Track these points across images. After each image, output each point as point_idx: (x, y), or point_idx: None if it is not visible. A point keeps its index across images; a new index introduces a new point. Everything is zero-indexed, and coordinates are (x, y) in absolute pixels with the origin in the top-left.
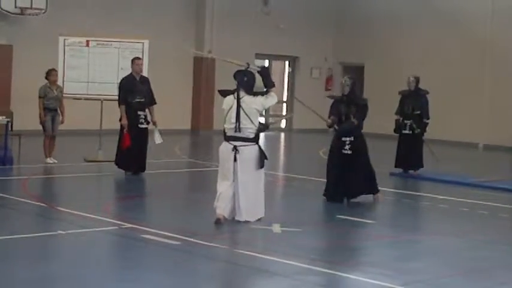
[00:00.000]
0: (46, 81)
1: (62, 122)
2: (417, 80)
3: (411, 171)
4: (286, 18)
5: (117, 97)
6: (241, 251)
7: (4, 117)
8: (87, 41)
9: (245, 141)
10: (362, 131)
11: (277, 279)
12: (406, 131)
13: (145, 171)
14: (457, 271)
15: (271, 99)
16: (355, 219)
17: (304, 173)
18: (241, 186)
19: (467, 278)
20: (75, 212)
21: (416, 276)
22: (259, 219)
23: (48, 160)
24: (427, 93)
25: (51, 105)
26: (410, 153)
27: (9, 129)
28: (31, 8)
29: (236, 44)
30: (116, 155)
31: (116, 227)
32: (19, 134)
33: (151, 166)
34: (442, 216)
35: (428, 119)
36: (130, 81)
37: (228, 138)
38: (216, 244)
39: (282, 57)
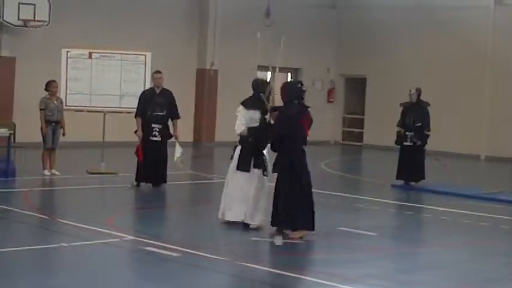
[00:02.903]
0: (46, 93)
1: (63, 135)
2: (419, 92)
3: (412, 183)
4: (288, 31)
5: (119, 109)
6: (242, 263)
7: (7, 129)
8: (90, 53)
9: None
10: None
11: None
12: (408, 143)
13: (165, 183)
14: (459, 283)
15: None
16: (357, 231)
17: None
18: None
19: None
20: (78, 225)
21: (420, 287)
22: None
23: (46, 172)
24: (428, 105)
25: (52, 117)
26: (411, 165)
27: (12, 141)
28: (34, 20)
29: (238, 55)
30: (137, 168)
31: (118, 239)
32: (21, 146)
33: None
34: (444, 228)
35: (429, 131)
36: (149, 94)
37: None
38: (218, 256)
39: (284, 69)
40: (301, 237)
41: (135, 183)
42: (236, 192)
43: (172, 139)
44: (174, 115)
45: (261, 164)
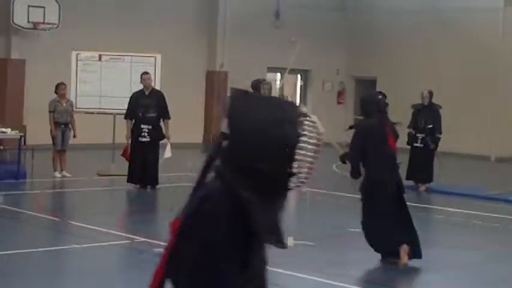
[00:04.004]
0: (56, 95)
1: (74, 137)
2: (431, 94)
3: (419, 185)
4: (298, 32)
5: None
6: None
7: (17, 131)
8: (100, 56)
9: None
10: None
11: None
12: (418, 144)
13: (157, 185)
14: (469, 284)
15: None
16: None
17: (317, 187)
18: None
19: None
20: (88, 226)
21: None
22: None
23: (57, 174)
24: (440, 107)
25: (61, 119)
26: (420, 167)
27: (22, 143)
28: (44, 22)
29: (248, 57)
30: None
31: (129, 241)
32: (32, 149)
33: (163, 180)
34: (455, 229)
35: (441, 133)
36: (138, 96)
37: None
38: None
39: (294, 71)
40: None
41: (137, 185)
42: None
43: (164, 140)
44: (164, 116)
45: None
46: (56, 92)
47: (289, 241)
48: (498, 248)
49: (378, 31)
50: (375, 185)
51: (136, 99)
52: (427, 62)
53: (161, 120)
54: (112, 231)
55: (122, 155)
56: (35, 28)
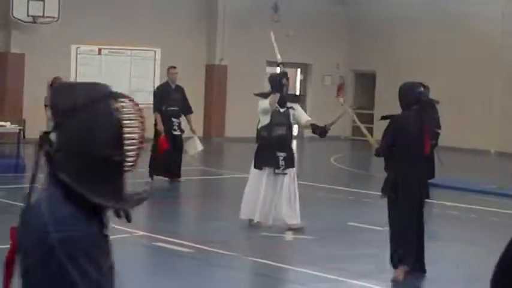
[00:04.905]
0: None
1: None
2: (428, 89)
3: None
4: (297, 26)
5: None
6: (254, 259)
7: (16, 125)
8: (99, 49)
9: None
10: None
11: (290, 287)
12: None
13: (181, 177)
14: (468, 278)
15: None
16: (367, 226)
17: (316, 181)
18: None
19: (478, 286)
20: None
21: (429, 283)
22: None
23: None
24: (438, 103)
25: None
26: None
27: (22, 137)
28: (43, 16)
29: (247, 51)
30: (150, 163)
31: (128, 235)
32: (31, 142)
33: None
34: (453, 223)
35: (440, 128)
36: (165, 90)
37: None
38: (230, 252)
39: (294, 65)
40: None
41: (150, 179)
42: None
43: (189, 134)
44: (189, 110)
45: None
46: (51, 86)
47: (289, 236)
48: (496, 242)
49: (378, 25)
50: (397, 187)
51: (164, 93)
52: (426, 55)
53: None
54: (113, 225)
55: (157, 147)
56: (34, 22)
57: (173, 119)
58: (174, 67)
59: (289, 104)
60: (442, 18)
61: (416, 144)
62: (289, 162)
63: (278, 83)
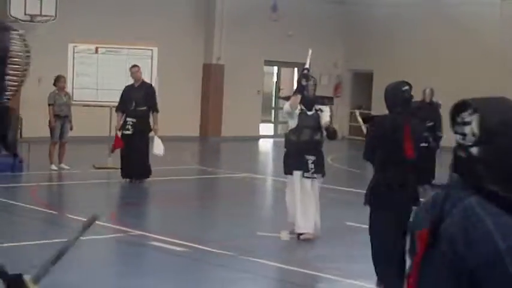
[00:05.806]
0: (55, 88)
1: (71, 129)
2: (433, 92)
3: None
4: (295, 25)
5: None
6: (248, 258)
7: None
8: (97, 48)
9: None
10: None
11: (286, 287)
12: None
13: (148, 178)
14: None
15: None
16: (365, 226)
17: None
18: None
19: None
20: (84, 219)
21: None
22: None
23: (53, 166)
24: (439, 106)
25: (61, 112)
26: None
27: (19, 136)
28: (40, 15)
29: (245, 50)
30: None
31: (124, 234)
32: (28, 141)
33: (160, 173)
34: None
35: (442, 132)
36: (126, 89)
37: None
38: (224, 251)
39: (291, 64)
40: None
41: (127, 180)
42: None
43: (151, 133)
44: (153, 109)
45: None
46: (54, 85)
47: (285, 235)
48: None
49: (376, 24)
50: (378, 194)
51: (124, 93)
52: (425, 55)
53: (149, 113)
54: (107, 224)
55: (113, 146)
56: (31, 20)
57: (127, 119)
58: (134, 65)
59: (317, 107)
60: (439, 18)
61: (396, 149)
62: (319, 168)
63: (298, 85)
